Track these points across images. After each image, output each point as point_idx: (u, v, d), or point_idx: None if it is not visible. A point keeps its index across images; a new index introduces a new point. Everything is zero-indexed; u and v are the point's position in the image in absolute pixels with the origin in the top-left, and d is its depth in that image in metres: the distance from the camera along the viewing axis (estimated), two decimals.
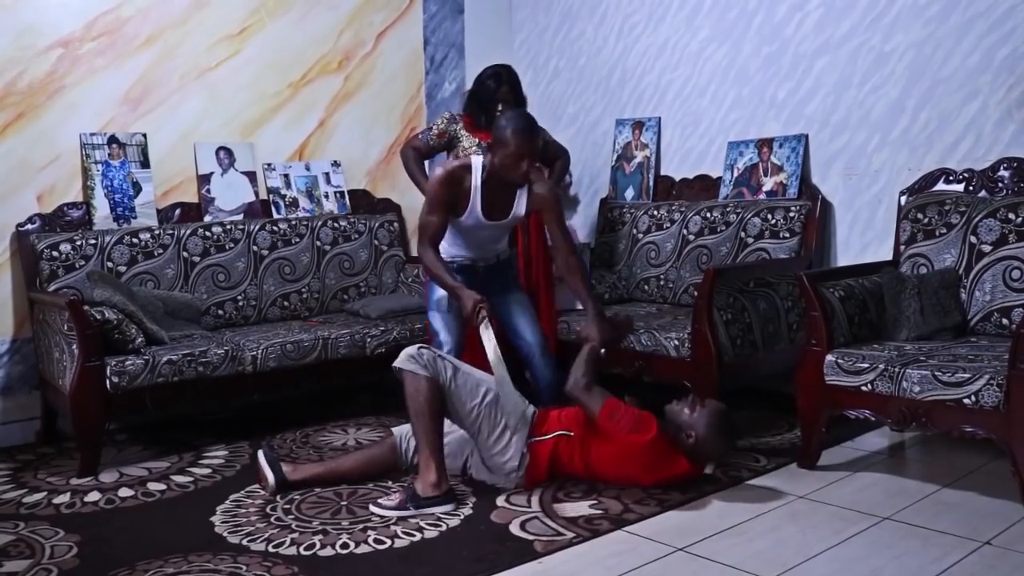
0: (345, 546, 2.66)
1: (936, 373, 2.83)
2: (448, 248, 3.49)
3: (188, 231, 4.27)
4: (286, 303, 4.45)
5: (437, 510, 2.90)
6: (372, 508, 2.95)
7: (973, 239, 3.38)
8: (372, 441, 3.70)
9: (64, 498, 3.18)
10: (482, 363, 3.22)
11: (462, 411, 3.09)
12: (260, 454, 3.19)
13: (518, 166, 3.25)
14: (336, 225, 4.68)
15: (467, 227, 3.42)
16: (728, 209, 4.30)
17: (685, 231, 4.43)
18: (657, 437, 3.00)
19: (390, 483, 3.17)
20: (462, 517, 2.87)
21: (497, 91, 4.04)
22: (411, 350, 3.08)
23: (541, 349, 3.54)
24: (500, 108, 3.95)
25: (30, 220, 3.98)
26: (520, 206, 3.41)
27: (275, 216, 4.59)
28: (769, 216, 4.12)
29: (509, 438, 3.10)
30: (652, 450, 3.01)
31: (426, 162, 4.35)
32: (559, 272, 3.61)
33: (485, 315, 3.14)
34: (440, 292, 3.46)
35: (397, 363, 3.07)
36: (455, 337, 3.51)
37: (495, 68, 4.13)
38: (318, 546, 2.66)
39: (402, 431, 3.27)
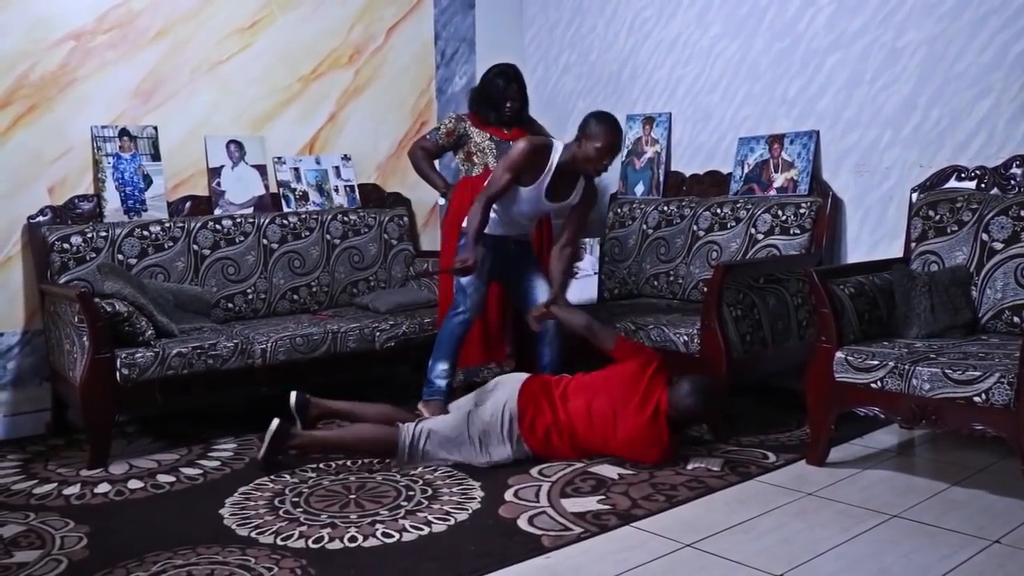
0: (353, 539, 2.67)
1: (946, 371, 2.82)
2: (489, 225, 3.66)
3: (198, 224, 4.28)
4: (296, 296, 4.46)
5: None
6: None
7: (984, 236, 3.36)
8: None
9: (74, 489, 3.20)
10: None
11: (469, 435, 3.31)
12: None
13: (600, 161, 3.50)
14: (346, 219, 4.69)
15: (522, 199, 3.60)
16: (738, 205, 4.29)
17: (695, 227, 4.42)
18: (657, 367, 3.32)
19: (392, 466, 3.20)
20: (470, 511, 2.88)
21: (507, 89, 4.17)
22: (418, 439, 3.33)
23: (555, 329, 3.78)
24: (509, 105, 4.16)
25: (41, 212, 4.00)
26: (577, 194, 3.68)
27: (285, 210, 4.60)
28: (779, 212, 4.11)
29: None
30: (641, 373, 3.30)
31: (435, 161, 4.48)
32: (556, 247, 3.82)
33: (463, 269, 3.44)
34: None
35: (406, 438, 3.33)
36: (475, 300, 3.70)
37: (502, 67, 4.24)
38: (326, 539, 2.67)
39: (408, 429, 3.31)
